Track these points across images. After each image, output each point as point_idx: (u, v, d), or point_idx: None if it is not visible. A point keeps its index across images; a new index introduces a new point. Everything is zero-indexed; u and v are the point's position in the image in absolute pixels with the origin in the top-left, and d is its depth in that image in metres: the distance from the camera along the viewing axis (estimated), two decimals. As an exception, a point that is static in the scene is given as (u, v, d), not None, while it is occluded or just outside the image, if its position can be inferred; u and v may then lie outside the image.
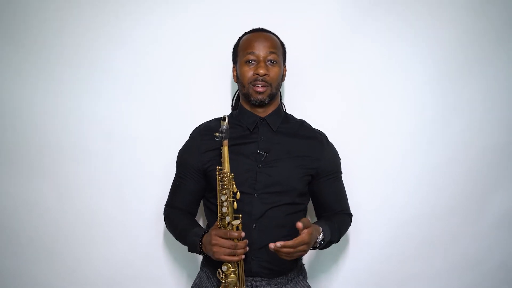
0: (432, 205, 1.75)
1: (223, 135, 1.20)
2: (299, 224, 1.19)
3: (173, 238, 1.47)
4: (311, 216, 1.70)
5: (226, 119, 1.21)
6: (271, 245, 1.17)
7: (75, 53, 1.67)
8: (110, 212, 1.73)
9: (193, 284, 1.51)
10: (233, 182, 1.24)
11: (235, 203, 1.25)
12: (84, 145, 1.72)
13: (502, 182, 1.78)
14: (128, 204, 1.73)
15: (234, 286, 1.26)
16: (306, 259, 1.55)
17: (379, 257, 1.76)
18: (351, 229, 1.64)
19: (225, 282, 1.26)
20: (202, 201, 1.50)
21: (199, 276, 1.50)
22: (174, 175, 1.49)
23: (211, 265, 1.41)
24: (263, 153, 1.37)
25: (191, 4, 1.65)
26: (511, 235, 1.80)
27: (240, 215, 1.25)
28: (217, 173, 1.25)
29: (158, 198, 1.56)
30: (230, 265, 1.25)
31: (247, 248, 1.25)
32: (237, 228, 1.25)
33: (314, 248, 1.33)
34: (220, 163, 1.26)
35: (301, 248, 1.19)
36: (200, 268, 1.52)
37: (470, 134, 1.74)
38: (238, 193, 1.25)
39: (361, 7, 1.65)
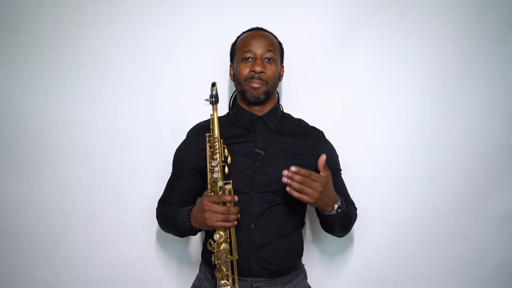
0: (432, 205, 1.74)
1: (213, 99, 1.21)
2: (323, 156, 1.16)
3: (173, 238, 1.43)
4: (311, 216, 1.70)
5: (216, 85, 1.22)
6: (285, 172, 1.11)
7: (75, 53, 1.65)
8: (109, 212, 1.70)
9: (192, 286, 1.44)
10: (224, 146, 1.23)
11: (226, 168, 1.22)
12: (83, 146, 1.68)
13: (502, 182, 1.77)
14: (128, 204, 1.70)
15: (226, 255, 1.21)
16: (306, 259, 1.51)
17: (379, 257, 1.74)
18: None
19: (216, 252, 1.21)
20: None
21: (198, 278, 1.44)
22: (170, 174, 1.46)
23: (210, 266, 1.35)
24: (260, 152, 1.35)
25: (191, 5, 1.66)
26: (511, 235, 1.79)
27: (231, 181, 1.23)
28: (207, 138, 1.24)
29: (158, 197, 1.50)
30: (222, 232, 1.20)
31: (239, 216, 1.22)
32: (229, 192, 1.22)
33: (328, 216, 1.24)
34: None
35: (314, 185, 1.12)
36: (199, 270, 1.45)
37: (470, 134, 1.74)
38: (229, 157, 1.23)
39: (360, 7, 1.66)
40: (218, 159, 1.22)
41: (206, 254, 1.38)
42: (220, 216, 1.18)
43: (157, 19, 1.66)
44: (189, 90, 1.68)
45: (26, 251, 1.70)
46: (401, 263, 1.75)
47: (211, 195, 1.22)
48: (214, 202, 1.19)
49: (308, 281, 1.47)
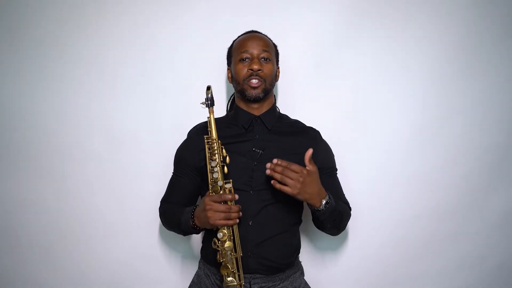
0: (431, 205, 1.73)
1: (208, 102, 1.25)
2: (310, 150, 1.22)
3: (173, 237, 1.45)
4: (306, 215, 1.67)
5: (210, 88, 1.26)
6: (268, 164, 1.20)
7: (74, 53, 1.69)
8: (110, 212, 1.72)
9: (191, 283, 1.48)
10: (222, 147, 1.27)
11: (225, 167, 1.26)
12: (83, 145, 1.71)
13: (502, 182, 1.75)
14: (128, 204, 1.72)
15: (230, 252, 1.25)
16: (303, 256, 1.54)
17: (377, 256, 1.74)
18: (349, 227, 1.63)
19: (221, 250, 1.24)
20: (200, 199, 1.48)
21: (197, 274, 1.47)
22: (172, 173, 1.49)
23: (209, 263, 1.40)
24: (258, 151, 1.39)
25: (190, 6, 1.69)
26: (511, 235, 1.77)
27: (231, 180, 1.26)
28: (205, 140, 1.28)
29: (158, 197, 1.53)
30: (225, 231, 1.23)
31: (241, 213, 1.25)
32: (230, 191, 1.25)
33: (317, 211, 1.28)
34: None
35: (294, 175, 1.18)
36: (198, 267, 1.49)
37: (470, 134, 1.73)
38: (227, 157, 1.27)
39: (358, 7, 1.67)
40: (217, 160, 1.26)
41: (205, 251, 1.42)
42: (222, 215, 1.21)
43: (157, 20, 1.69)
44: (189, 91, 1.71)
45: (26, 251, 1.73)
46: (399, 263, 1.75)
47: (213, 194, 1.25)
48: (215, 201, 1.22)
49: (305, 277, 1.49)
